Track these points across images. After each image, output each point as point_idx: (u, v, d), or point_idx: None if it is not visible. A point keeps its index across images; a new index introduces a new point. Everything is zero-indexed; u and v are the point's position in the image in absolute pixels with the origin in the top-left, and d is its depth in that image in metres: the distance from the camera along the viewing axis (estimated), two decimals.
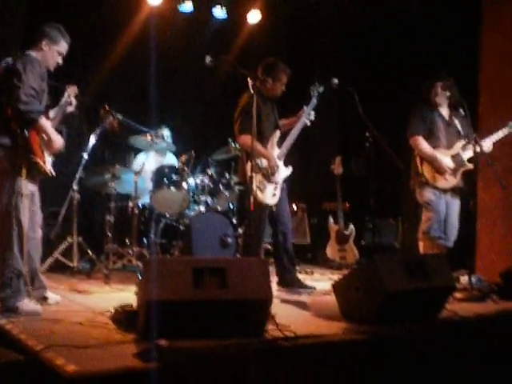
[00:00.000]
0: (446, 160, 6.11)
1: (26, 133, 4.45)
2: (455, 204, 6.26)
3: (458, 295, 5.41)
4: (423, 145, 6.14)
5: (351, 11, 9.00)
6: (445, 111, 6.30)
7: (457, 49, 7.65)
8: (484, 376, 4.16)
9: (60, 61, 4.87)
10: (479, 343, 4.30)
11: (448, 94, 6.15)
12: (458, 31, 7.64)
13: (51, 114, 4.95)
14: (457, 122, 6.21)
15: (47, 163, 4.70)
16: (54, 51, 4.79)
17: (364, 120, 5.73)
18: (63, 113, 5.08)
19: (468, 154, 6.12)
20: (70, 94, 5.11)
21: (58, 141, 4.77)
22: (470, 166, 6.13)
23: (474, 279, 5.98)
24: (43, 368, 3.17)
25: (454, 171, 6.13)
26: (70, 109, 5.13)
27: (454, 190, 6.22)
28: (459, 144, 6.17)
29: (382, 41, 8.69)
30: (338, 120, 9.85)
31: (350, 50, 9.57)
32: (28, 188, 4.57)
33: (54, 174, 4.77)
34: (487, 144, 6.05)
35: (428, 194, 6.14)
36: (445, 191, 6.16)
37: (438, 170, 6.10)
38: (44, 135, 4.62)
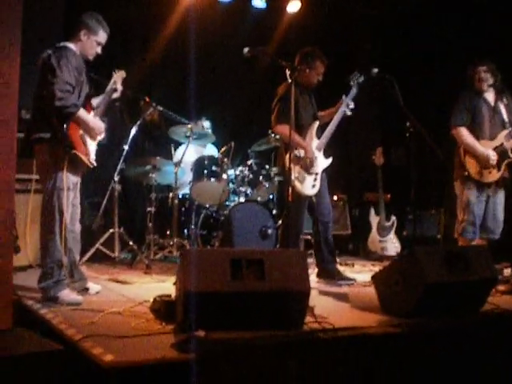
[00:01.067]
0: (489, 152, 5.91)
1: (65, 126, 4.49)
2: (499, 197, 6.07)
3: (500, 288, 5.32)
4: (466, 136, 5.98)
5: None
6: (491, 97, 6.10)
7: (504, 37, 7.50)
8: None
9: (99, 51, 4.89)
10: None
11: (492, 78, 6.01)
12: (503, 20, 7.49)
13: (95, 101, 4.98)
14: (503, 108, 6.04)
15: (91, 153, 4.76)
16: (93, 41, 4.80)
17: (404, 110, 5.65)
18: (109, 99, 5.09)
19: None
20: (117, 79, 5.11)
21: (99, 127, 4.81)
22: None
23: None
24: (82, 357, 3.22)
25: (498, 163, 5.93)
26: (116, 95, 5.13)
27: (498, 182, 6.03)
28: (503, 134, 5.98)
29: (424, 29, 8.57)
30: (378, 110, 9.75)
31: (391, 38, 9.45)
32: (70, 180, 4.62)
33: (95, 164, 4.81)
34: None
35: (468, 194, 5.97)
36: (488, 185, 5.98)
37: (481, 162, 5.94)
38: (85, 126, 4.67)
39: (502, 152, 5.93)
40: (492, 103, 6.08)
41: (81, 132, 4.65)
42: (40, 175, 4.84)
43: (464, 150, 6.02)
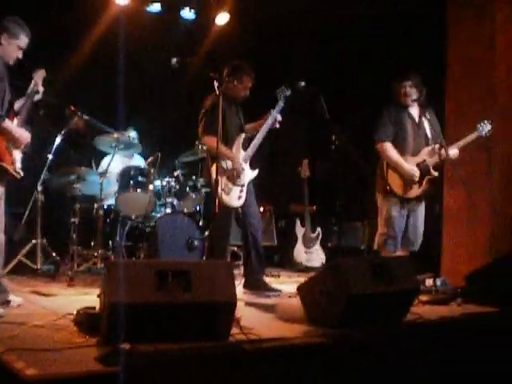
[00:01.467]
0: (411, 168, 6.02)
1: None
2: (420, 210, 6.19)
3: (422, 298, 5.44)
4: (390, 152, 6.05)
5: (320, 15, 9.04)
6: (415, 112, 6.21)
7: (424, 56, 7.72)
8: (446, 379, 4.18)
9: (20, 55, 4.77)
10: (443, 346, 4.33)
11: (417, 93, 6.13)
12: (425, 37, 7.71)
13: (17, 104, 4.85)
14: (426, 123, 6.15)
15: (16, 162, 4.65)
16: (14, 45, 4.70)
17: (330, 123, 5.73)
18: (32, 101, 4.96)
19: (434, 159, 6.05)
20: (38, 80, 4.99)
21: (25, 137, 4.71)
22: (436, 173, 6.07)
23: (438, 282, 6.04)
24: (3, 371, 3.12)
25: (420, 179, 6.04)
26: (38, 96, 5.01)
27: (419, 197, 6.15)
28: (426, 150, 6.10)
29: (352, 44, 8.76)
30: (305, 123, 9.87)
31: (320, 53, 9.62)
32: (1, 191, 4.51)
33: (21, 174, 4.71)
34: (454, 151, 6.00)
35: (390, 209, 6.05)
36: (409, 200, 6.10)
37: (404, 178, 6.03)
38: (9, 136, 4.56)
39: (424, 168, 6.04)
40: (416, 118, 6.19)
41: (6, 143, 4.54)
42: None
43: (386, 165, 6.10)
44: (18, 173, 4.66)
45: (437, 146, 6.05)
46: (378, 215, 6.22)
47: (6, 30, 4.66)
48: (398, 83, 6.14)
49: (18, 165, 4.68)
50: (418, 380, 4.07)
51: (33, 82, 4.99)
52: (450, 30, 7.32)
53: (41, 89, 5.01)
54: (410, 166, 6.03)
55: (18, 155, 4.69)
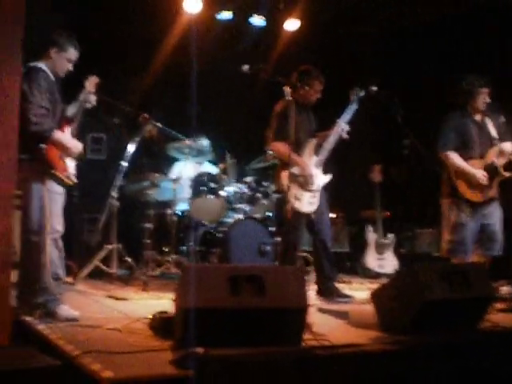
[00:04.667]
0: (479, 172, 5.82)
1: (43, 147, 4.51)
2: (495, 213, 5.96)
3: (498, 306, 5.31)
4: (454, 159, 5.86)
5: (389, 18, 8.97)
6: (478, 116, 6.03)
7: (492, 54, 7.55)
8: None
9: (71, 68, 4.86)
10: None
11: (489, 100, 5.97)
12: (493, 37, 7.55)
13: (70, 111, 4.93)
14: (489, 124, 5.98)
15: (69, 169, 4.76)
16: (64, 58, 4.78)
17: (402, 127, 5.65)
18: (83, 108, 5.00)
19: (503, 159, 5.84)
20: (89, 87, 5.04)
21: (76, 147, 4.80)
22: (507, 174, 5.85)
23: None
24: (80, 373, 3.20)
25: (490, 182, 5.84)
26: (89, 105, 5.05)
27: (493, 200, 5.94)
28: (493, 151, 5.90)
29: (422, 48, 8.63)
30: (377, 128, 9.77)
31: (389, 57, 9.52)
32: (54, 189, 4.62)
33: (75, 181, 4.81)
34: None
35: (458, 214, 5.85)
36: (481, 204, 5.88)
37: (472, 182, 5.84)
38: (61, 147, 4.67)
39: (492, 170, 5.84)
40: (479, 120, 6.01)
41: (58, 152, 4.66)
42: (22, 191, 4.79)
43: (454, 172, 5.90)
44: (71, 180, 4.76)
45: (505, 144, 5.86)
46: (443, 222, 6.04)
47: (55, 43, 4.76)
48: (475, 89, 5.91)
49: (72, 171, 4.79)
50: None
51: (84, 89, 5.04)
52: None
53: (93, 96, 5.06)
54: (476, 170, 5.83)
55: (70, 163, 4.80)
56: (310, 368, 3.54)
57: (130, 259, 6.84)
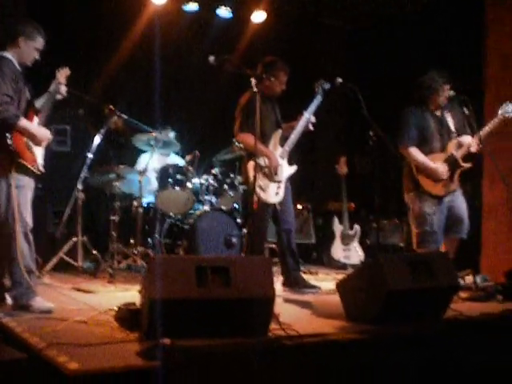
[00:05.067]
0: (440, 167, 5.89)
1: (8, 136, 4.45)
2: (459, 200, 6.03)
3: (462, 295, 5.40)
4: (415, 155, 5.92)
5: (355, 11, 9.04)
6: (438, 110, 6.08)
7: (461, 50, 7.67)
8: (486, 376, 4.15)
9: (37, 56, 4.82)
10: (484, 342, 4.29)
11: (452, 93, 6.03)
12: (462, 32, 7.65)
13: (39, 102, 4.89)
14: (448, 117, 6.05)
15: (37, 159, 4.71)
16: (31, 47, 4.74)
17: (367, 119, 5.69)
18: (53, 99, 4.97)
19: (462, 151, 5.90)
20: (61, 78, 5.00)
21: (43, 135, 4.76)
22: (467, 165, 5.94)
23: (478, 279, 5.97)
24: (46, 366, 3.19)
25: (451, 175, 5.92)
26: (60, 96, 5.01)
27: (455, 190, 6.01)
28: (452, 144, 5.97)
29: (386, 40, 8.72)
30: (342, 119, 9.85)
31: (354, 48, 9.60)
32: (22, 181, 4.57)
33: (43, 170, 4.76)
34: (475, 141, 5.87)
35: (423, 206, 5.90)
36: (445, 196, 5.95)
37: (433, 177, 5.90)
38: (28, 134, 4.62)
39: (453, 162, 5.92)
40: (438, 114, 6.06)
41: (25, 140, 4.60)
42: None
43: (416, 167, 5.95)
44: (40, 170, 4.73)
45: (463, 137, 5.94)
46: (410, 216, 6.10)
47: (22, 32, 4.72)
48: (438, 83, 5.95)
49: (40, 161, 4.75)
50: (458, 376, 4.05)
51: (55, 80, 5.00)
52: (489, 26, 7.25)
53: (63, 88, 5.02)
54: (436, 164, 5.90)
55: (39, 152, 4.75)
56: (276, 358, 3.56)
57: (95, 252, 6.80)
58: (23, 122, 4.56)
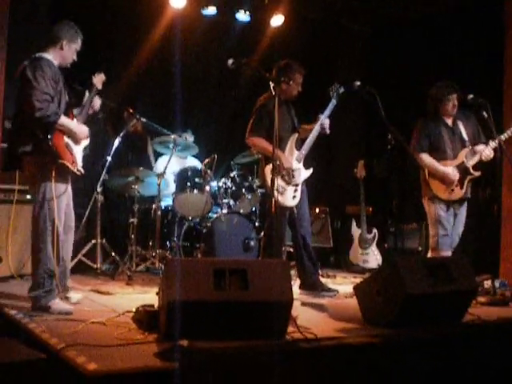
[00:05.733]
0: (448, 170, 6.02)
1: (50, 137, 4.51)
2: (462, 213, 6.19)
3: (481, 299, 5.39)
4: (426, 161, 6.07)
5: (373, 16, 9.03)
6: (450, 119, 6.21)
7: (480, 53, 7.64)
8: (505, 380, 4.13)
9: (76, 58, 4.92)
10: (502, 347, 4.27)
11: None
12: (482, 35, 7.63)
13: (77, 110, 4.98)
14: (461, 126, 6.17)
15: (77, 160, 4.78)
16: (73, 49, 4.86)
17: (386, 123, 5.69)
18: (91, 103, 5.08)
19: (473, 160, 6.03)
20: (97, 84, 5.14)
21: (83, 131, 4.85)
22: (477, 173, 6.04)
23: (497, 283, 5.96)
24: (65, 366, 3.21)
25: (460, 181, 6.03)
26: (98, 101, 5.15)
27: (462, 199, 6.14)
28: (463, 152, 6.08)
29: (405, 45, 8.69)
30: (361, 123, 9.82)
31: (373, 53, 9.57)
32: (59, 189, 4.65)
33: (83, 172, 4.84)
34: (487, 151, 5.98)
35: (437, 210, 6.05)
36: (453, 202, 6.08)
37: (444, 181, 6.02)
38: (68, 132, 4.69)
39: (463, 170, 6.03)
40: (450, 123, 6.17)
41: (66, 140, 4.67)
42: (29, 187, 4.87)
43: (428, 171, 6.10)
44: (79, 170, 4.79)
45: (478, 146, 6.04)
46: (428, 219, 6.20)
47: (64, 35, 4.80)
48: (443, 95, 6.08)
49: (79, 162, 4.82)
50: (475, 381, 4.03)
51: (94, 84, 5.12)
52: (508, 28, 7.22)
53: (98, 102, 5.16)
54: (447, 168, 6.03)
55: (78, 153, 4.83)
56: (294, 361, 3.56)
57: (114, 254, 6.84)
58: (63, 119, 4.63)
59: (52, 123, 4.52)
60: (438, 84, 6.16)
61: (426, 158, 6.07)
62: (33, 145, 4.54)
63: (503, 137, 5.94)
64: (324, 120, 5.96)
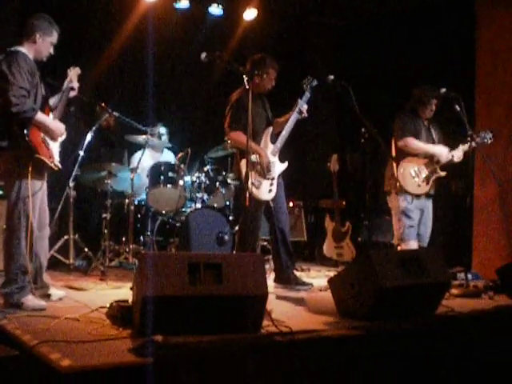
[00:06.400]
0: (441, 148, 6.19)
1: (26, 132, 4.46)
2: (428, 206, 6.31)
3: (454, 291, 5.44)
4: (414, 142, 6.16)
5: (345, 10, 9.06)
6: (426, 121, 6.36)
7: (452, 48, 7.69)
8: (478, 371, 4.17)
9: (52, 51, 4.87)
10: (474, 339, 4.31)
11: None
12: (453, 30, 7.68)
13: (52, 101, 4.94)
14: (432, 128, 6.34)
15: (54, 155, 4.74)
16: (48, 42, 4.80)
17: (359, 116, 5.71)
18: (67, 97, 5.04)
19: (445, 161, 6.17)
20: (73, 76, 5.08)
21: (59, 128, 4.80)
22: (443, 173, 6.18)
23: (470, 275, 6.03)
24: (38, 363, 3.18)
25: (427, 178, 6.16)
26: (74, 93, 5.10)
27: (427, 195, 6.25)
28: None
29: (378, 37, 8.73)
30: (334, 117, 9.85)
31: (345, 46, 9.60)
32: (35, 186, 4.61)
33: (60, 166, 4.80)
34: (458, 154, 6.16)
35: (403, 202, 6.14)
36: (419, 196, 6.18)
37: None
38: (44, 128, 4.64)
39: (431, 169, 6.18)
40: (426, 124, 6.34)
41: (42, 135, 4.62)
42: (5, 183, 4.80)
43: (396, 164, 6.16)
44: (57, 165, 4.75)
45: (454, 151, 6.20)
46: (392, 213, 6.29)
47: (38, 28, 4.75)
48: (427, 97, 6.21)
49: (56, 157, 4.77)
50: (450, 372, 4.06)
51: (68, 79, 5.07)
52: (478, 23, 7.28)
53: (76, 85, 5.09)
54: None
55: (55, 148, 4.78)
56: (269, 355, 3.56)
57: (87, 249, 6.79)
58: (40, 116, 4.58)
59: (29, 119, 4.48)
60: (424, 87, 6.29)
61: (415, 141, 6.16)
62: (9, 140, 4.50)
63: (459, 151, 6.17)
64: (303, 104, 5.97)
